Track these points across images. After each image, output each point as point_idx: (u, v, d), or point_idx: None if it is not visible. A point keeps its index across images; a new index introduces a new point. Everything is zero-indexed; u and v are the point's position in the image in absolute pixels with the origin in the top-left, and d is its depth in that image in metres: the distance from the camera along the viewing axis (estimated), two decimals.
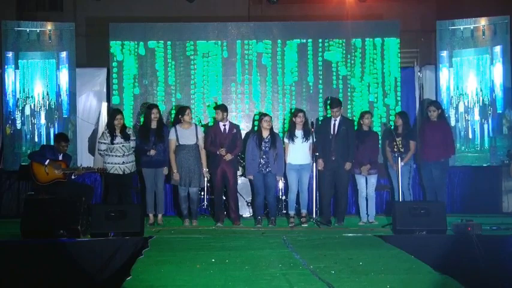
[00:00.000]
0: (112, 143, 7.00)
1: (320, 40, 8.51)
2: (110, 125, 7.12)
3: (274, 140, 7.05)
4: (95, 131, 8.62)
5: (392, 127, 7.46)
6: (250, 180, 7.38)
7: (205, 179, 7.30)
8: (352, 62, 8.51)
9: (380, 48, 8.50)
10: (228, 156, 7.02)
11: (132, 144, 7.09)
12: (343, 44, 8.52)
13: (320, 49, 8.49)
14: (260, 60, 8.51)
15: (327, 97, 8.25)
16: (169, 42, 8.50)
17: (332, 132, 7.14)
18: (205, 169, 7.10)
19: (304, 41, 8.50)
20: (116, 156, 7.01)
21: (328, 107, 7.44)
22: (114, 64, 8.39)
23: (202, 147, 7.14)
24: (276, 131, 7.55)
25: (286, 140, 7.15)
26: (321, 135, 7.20)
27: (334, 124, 7.16)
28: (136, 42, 8.43)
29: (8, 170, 8.36)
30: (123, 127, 7.12)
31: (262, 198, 7.16)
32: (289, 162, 7.10)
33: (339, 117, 7.17)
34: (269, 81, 8.50)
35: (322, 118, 7.90)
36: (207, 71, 8.49)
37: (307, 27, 8.69)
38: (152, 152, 6.99)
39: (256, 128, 7.61)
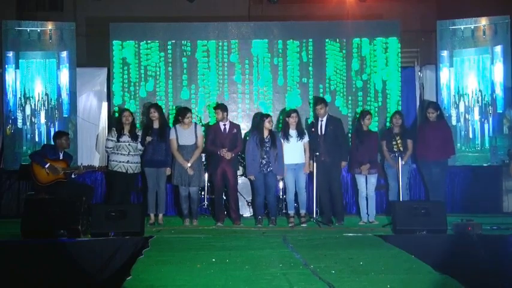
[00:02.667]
0: (118, 141, 7.01)
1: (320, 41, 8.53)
2: (118, 123, 7.15)
3: (274, 140, 7.04)
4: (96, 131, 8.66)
5: (388, 127, 7.44)
6: (250, 180, 7.38)
7: (191, 173, 7.03)
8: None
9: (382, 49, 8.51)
10: (228, 155, 7.02)
11: (139, 146, 7.07)
12: (344, 43, 8.54)
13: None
14: (260, 60, 8.51)
15: (313, 96, 8.27)
16: (169, 42, 8.50)
17: (319, 133, 7.13)
18: (188, 164, 6.97)
19: (305, 41, 8.51)
20: (121, 154, 7.01)
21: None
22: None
23: (199, 145, 7.12)
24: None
25: (281, 140, 7.12)
26: (311, 135, 7.18)
27: (321, 125, 7.14)
28: (136, 42, 8.44)
29: (8, 169, 8.36)
30: (133, 127, 7.13)
31: (262, 198, 7.15)
32: (285, 162, 7.09)
33: (325, 117, 7.16)
34: (269, 81, 8.49)
35: (310, 118, 7.88)
36: (207, 70, 8.50)
37: (307, 27, 8.69)
38: (148, 139, 6.96)
39: (255, 128, 7.59)
